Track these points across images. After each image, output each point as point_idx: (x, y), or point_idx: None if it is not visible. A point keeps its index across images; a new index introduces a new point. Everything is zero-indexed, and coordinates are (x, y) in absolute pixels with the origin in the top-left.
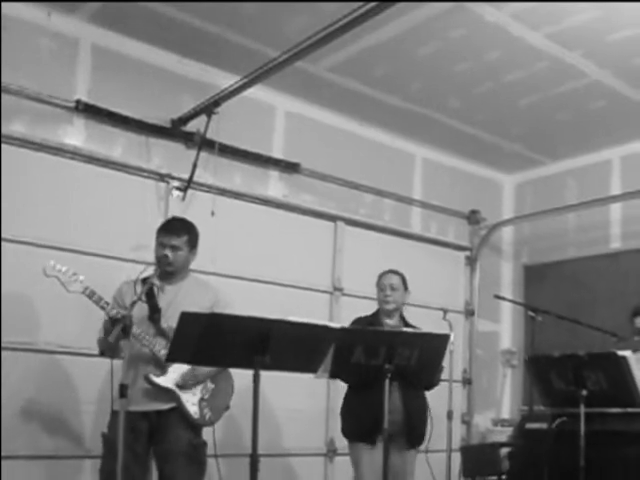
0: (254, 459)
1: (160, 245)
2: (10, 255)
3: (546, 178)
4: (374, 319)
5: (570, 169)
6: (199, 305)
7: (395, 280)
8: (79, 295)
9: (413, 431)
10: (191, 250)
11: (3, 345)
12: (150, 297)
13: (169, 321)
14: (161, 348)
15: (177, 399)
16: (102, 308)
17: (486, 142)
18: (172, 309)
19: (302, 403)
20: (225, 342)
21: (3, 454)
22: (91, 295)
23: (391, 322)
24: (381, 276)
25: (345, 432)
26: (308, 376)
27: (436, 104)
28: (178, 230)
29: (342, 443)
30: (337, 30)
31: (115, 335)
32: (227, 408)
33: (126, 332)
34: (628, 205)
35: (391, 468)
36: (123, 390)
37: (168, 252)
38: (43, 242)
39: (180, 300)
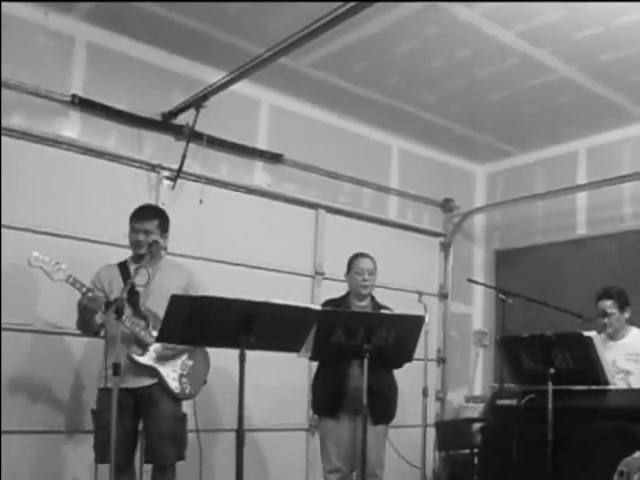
0: (240, 434)
1: (133, 230)
2: (9, 241)
3: (516, 168)
4: (343, 301)
5: (539, 160)
6: (174, 287)
7: (372, 265)
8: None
9: (376, 407)
10: (162, 234)
11: (3, 326)
12: (132, 281)
13: (146, 303)
14: (141, 329)
15: (159, 375)
16: (84, 294)
17: (459, 134)
18: (149, 291)
19: (284, 380)
20: (212, 323)
21: None
22: (74, 283)
23: (361, 304)
24: (357, 260)
25: (313, 407)
26: (291, 355)
27: (412, 98)
28: (149, 215)
29: None
30: (318, 28)
31: (109, 317)
32: (204, 382)
33: (119, 314)
34: (593, 194)
35: (357, 441)
36: (116, 369)
37: (142, 236)
38: (40, 228)
39: (156, 283)
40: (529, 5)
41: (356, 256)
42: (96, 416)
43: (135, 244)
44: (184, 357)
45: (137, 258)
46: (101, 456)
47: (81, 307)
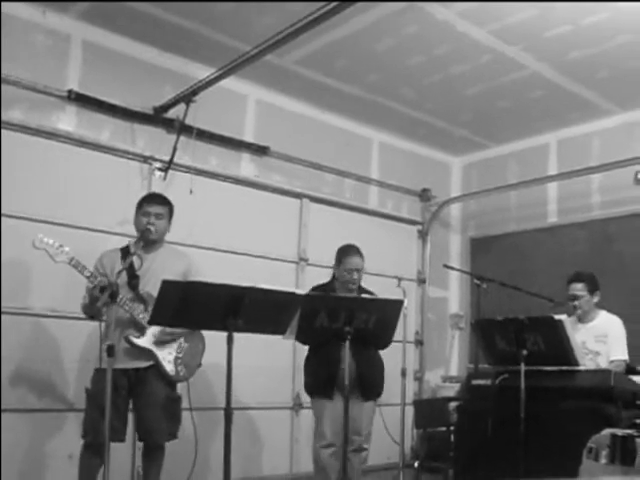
0: (228, 412)
1: (145, 214)
2: (8, 229)
3: (490, 160)
4: (329, 287)
5: (511, 152)
6: (173, 272)
7: (361, 263)
8: (65, 265)
9: (365, 385)
10: (169, 220)
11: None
12: (129, 265)
13: (146, 287)
14: (140, 312)
15: (154, 357)
16: (87, 277)
17: (436, 127)
18: (149, 276)
19: (270, 361)
20: (202, 307)
21: None
22: (76, 265)
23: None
24: (347, 258)
25: (306, 388)
26: (276, 337)
27: (391, 93)
28: (161, 201)
29: (307, 397)
30: (302, 27)
31: (103, 301)
32: (199, 365)
33: (113, 298)
34: (563, 184)
35: (349, 417)
36: (110, 350)
37: (153, 219)
38: (38, 217)
39: (156, 267)
40: (502, 5)
41: (346, 252)
42: (89, 395)
43: (146, 228)
44: (180, 340)
45: (146, 242)
46: (87, 432)
47: (90, 294)
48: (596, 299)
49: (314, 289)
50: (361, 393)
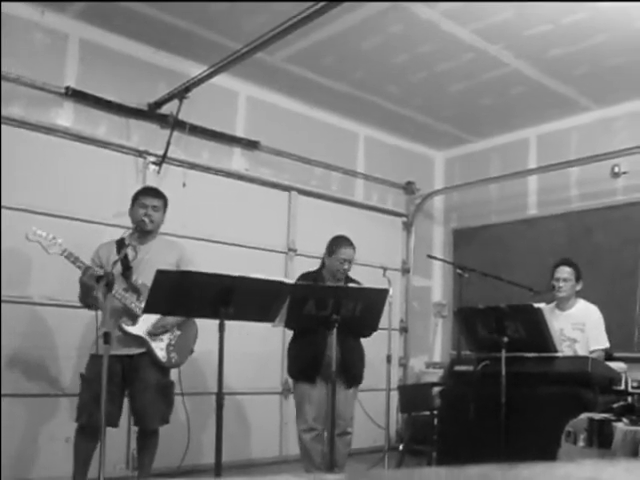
0: (220, 398)
1: (141, 206)
2: (8, 220)
3: (472, 154)
4: (318, 275)
5: (493, 146)
6: (167, 262)
7: (353, 254)
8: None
9: (348, 372)
10: (164, 212)
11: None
12: (124, 256)
13: (140, 277)
14: (133, 301)
15: (147, 345)
16: (79, 267)
17: (420, 123)
18: (143, 266)
19: (260, 347)
20: (194, 296)
21: None
22: (69, 256)
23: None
24: (341, 248)
25: (290, 372)
26: (266, 325)
27: (377, 90)
28: (157, 194)
29: None
30: (291, 26)
31: (100, 290)
32: (191, 352)
33: (109, 287)
34: (543, 177)
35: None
36: (107, 337)
37: (150, 211)
38: (37, 209)
39: (150, 258)
40: (485, 5)
41: (340, 243)
42: (84, 380)
43: (143, 220)
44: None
45: (141, 234)
46: (82, 416)
47: (81, 283)
48: (579, 287)
49: (302, 276)
50: (344, 380)
